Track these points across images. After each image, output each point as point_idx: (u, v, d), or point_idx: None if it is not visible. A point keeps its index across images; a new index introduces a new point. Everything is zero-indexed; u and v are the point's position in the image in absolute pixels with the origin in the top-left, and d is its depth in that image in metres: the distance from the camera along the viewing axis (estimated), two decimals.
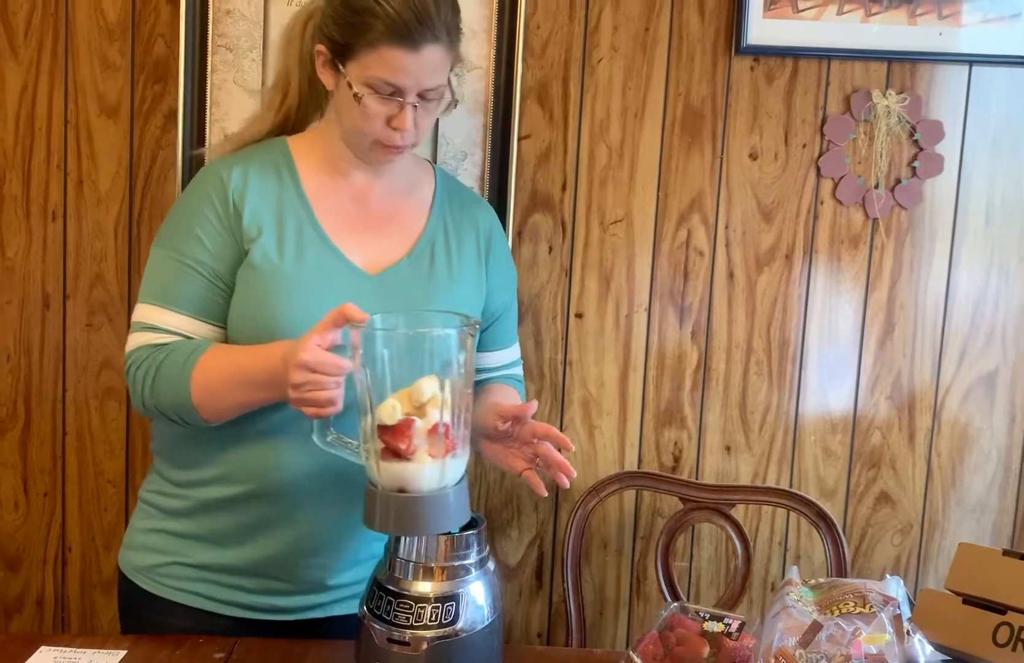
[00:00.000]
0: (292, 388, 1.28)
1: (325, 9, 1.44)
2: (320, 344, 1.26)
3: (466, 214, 1.60)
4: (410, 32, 1.36)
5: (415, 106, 1.42)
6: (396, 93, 1.40)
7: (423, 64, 1.39)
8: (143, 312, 1.46)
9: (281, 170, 1.50)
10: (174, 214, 1.50)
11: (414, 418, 1.25)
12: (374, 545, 1.51)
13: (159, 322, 1.44)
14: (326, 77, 1.46)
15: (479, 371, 1.62)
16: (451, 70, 1.47)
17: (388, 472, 1.26)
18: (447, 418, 1.26)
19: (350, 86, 1.41)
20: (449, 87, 1.47)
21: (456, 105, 1.50)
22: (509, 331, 1.68)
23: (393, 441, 1.24)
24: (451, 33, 1.42)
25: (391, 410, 1.24)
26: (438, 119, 1.89)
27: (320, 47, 1.45)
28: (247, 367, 1.38)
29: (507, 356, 1.67)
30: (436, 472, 1.26)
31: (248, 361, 1.38)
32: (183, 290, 1.44)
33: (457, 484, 1.30)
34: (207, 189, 1.47)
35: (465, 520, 1.32)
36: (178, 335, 1.44)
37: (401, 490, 1.26)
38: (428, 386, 1.25)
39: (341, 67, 1.42)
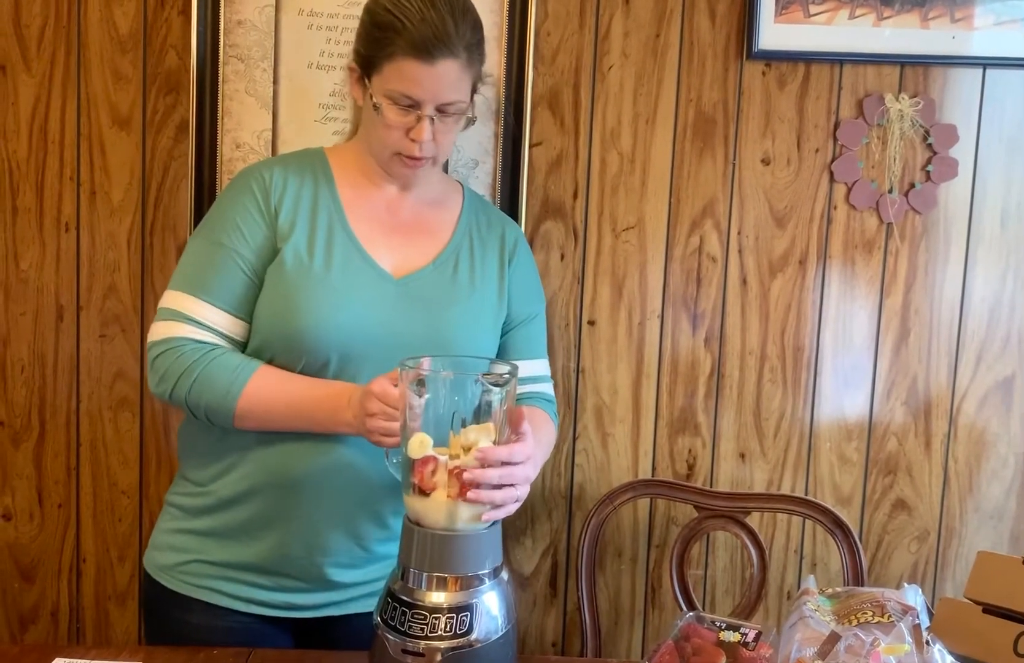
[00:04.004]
0: (368, 417, 1.38)
1: (358, 29, 1.52)
2: (391, 380, 1.37)
3: (492, 230, 1.65)
4: (427, 46, 1.43)
5: (432, 119, 1.48)
6: (413, 105, 1.47)
7: (438, 77, 1.45)
8: (178, 299, 1.49)
9: (318, 176, 1.57)
10: (216, 207, 1.56)
11: (436, 456, 1.29)
12: (389, 544, 1.54)
13: (197, 315, 1.48)
14: (357, 93, 1.54)
15: None
16: (473, 90, 1.53)
17: (408, 503, 1.32)
18: (467, 464, 1.29)
19: (372, 98, 1.49)
20: (472, 105, 1.53)
21: (473, 122, 1.56)
22: (533, 342, 1.69)
23: (412, 474, 1.30)
24: (470, 52, 1.47)
25: (418, 445, 1.29)
26: None
27: (352, 64, 1.53)
28: (308, 400, 1.46)
29: (532, 368, 1.67)
30: (444, 512, 1.29)
31: (310, 393, 1.47)
32: (221, 281, 1.49)
33: (482, 529, 1.31)
34: (250, 183, 1.53)
35: (486, 568, 1.31)
36: (221, 334, 1.49)
37: (418, 523, 1.31)
38: (473, 433, 1.30)
39: (367, 81, 1.50)
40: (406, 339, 1.48)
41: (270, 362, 1.50)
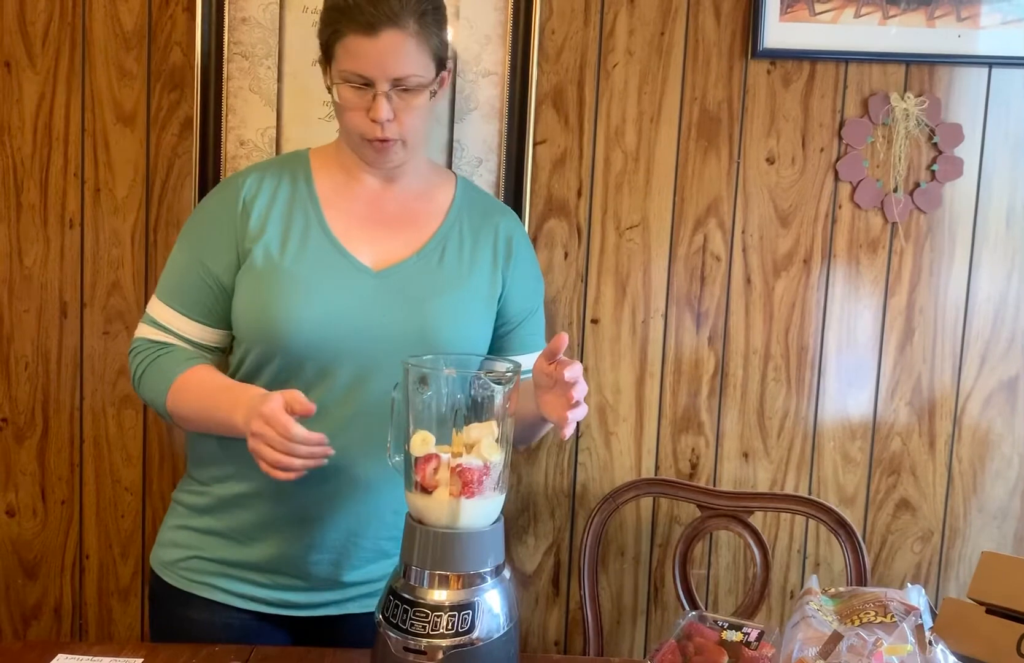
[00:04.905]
0: (251, 436, 1.34)
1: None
2: (286, 406, 1.31)
3: (486, 220, 1.61)
4: (368, 19, 1.41)
5: (389, 96, 1.44)
6: (367, 84, 1.44)
7: (384, 50, 1.42)
8: (152, 304, 1.56)
9: (297, 176, 1.56)
10: (194, 214, 1.60)
11: (439, 454, 1.29)
12: (385, 544, 1.54)
13: (162, 319, 1.53)
14: (327, 86, 1.52)
15: None
16: (440, 65, 1.49)
17: (410, 501, 1.33)
18: (470, 463, 1.29)
19: (331, 84, 1.48)
20: (437, 81, 1.49)
21: (434, 94, 1.49)
22: (535, 336, 1.67)
23: (414, 472, 1.30)
24: (421, 22, 1.44)
25: (421, 442, 1.30)
26: (454, 127, 1.90)
27: (320, 58, 1.51)
28: (213, 400, 1.45)
29: (534, 360, 1.66)
30: (447, 510, 1.29)
31: (216, 394, 1.45)
32: (187, 290, 1.53)
33: (484, 527, 1.31)
34: (225, 193, 1.55)
35: (488, 566, 1.31)
36: (176, 334, 1.53)
37: (421, 521, 1.30)
38: (475, 431, 1.30)
39: (328, 70, 1.49)
40: (387, 332, 1.47)
41: (252, 362, 1.51)
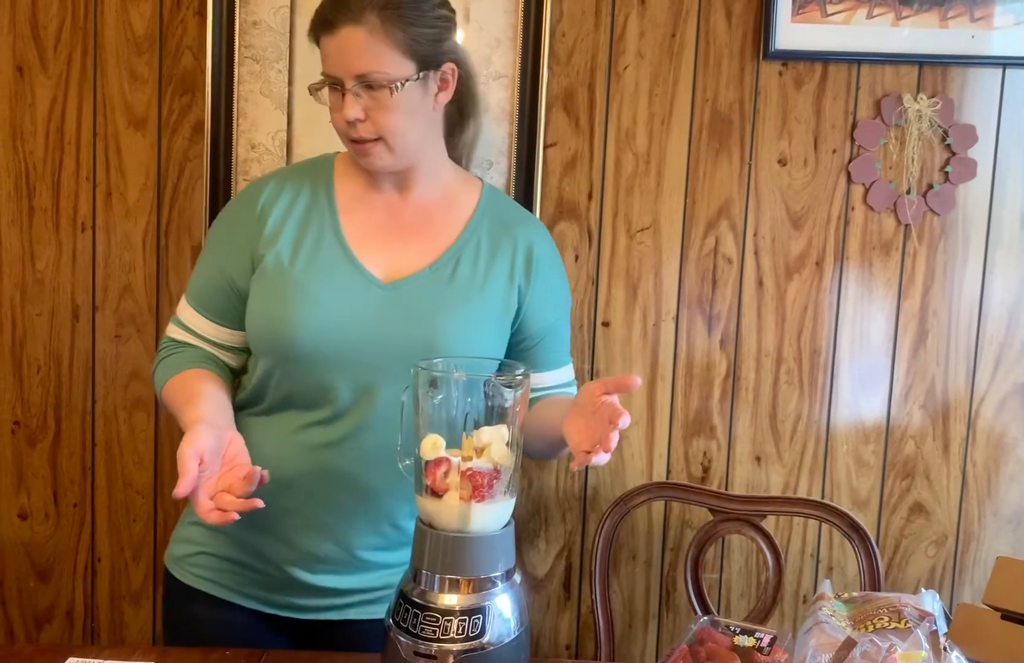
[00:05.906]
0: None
1: None
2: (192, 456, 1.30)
3: (506, 233, 1.56)
4: (329, 18, 1.42)
5: (357, 94, 1.42)
6: (336, 83, 1.43)
7: (341, 46, 1.41)
8: (180, 305, 1.59)
9: (318, 182, 1.55)
10: (218, 217, 1.61)
11: (449, 458, 1.28)
12: (382, 556, 1.54)
13: (185, 319, 1.57)
14: (310, 90, 1.51)
15: (531, 390, 1.56)
16: (418, 60, 1.43)
17: (420, 505, 1.32)
18: (480, 466, 1.28)
19: (313, 89, 1.48)
20: (418, 77, 1.43)
21: (398, 89, 1.42)
22: (558, 352, 1.62)
23: (425, 475, 1.30)
24: (384, 16, 1.39)
25: (431, 446, 1.29)
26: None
27: None
28: (179, 412, 1.45)
29: (558, 377, 1.61)
30: (457, 514, 1.28)
31: (183, 408, 1.44)
32: (207, 293, 1.55)
33: (495, 531, 1.30)
34: (245, 198, 1.56)
35: (499, 570, 1.30)
36: (198, 335, 1.55)
37: (431, 525, 1.30)
38: (486, 434, 1.29)
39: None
40: (392, 345, 1.44)
41: (262, 371, 1.50)
